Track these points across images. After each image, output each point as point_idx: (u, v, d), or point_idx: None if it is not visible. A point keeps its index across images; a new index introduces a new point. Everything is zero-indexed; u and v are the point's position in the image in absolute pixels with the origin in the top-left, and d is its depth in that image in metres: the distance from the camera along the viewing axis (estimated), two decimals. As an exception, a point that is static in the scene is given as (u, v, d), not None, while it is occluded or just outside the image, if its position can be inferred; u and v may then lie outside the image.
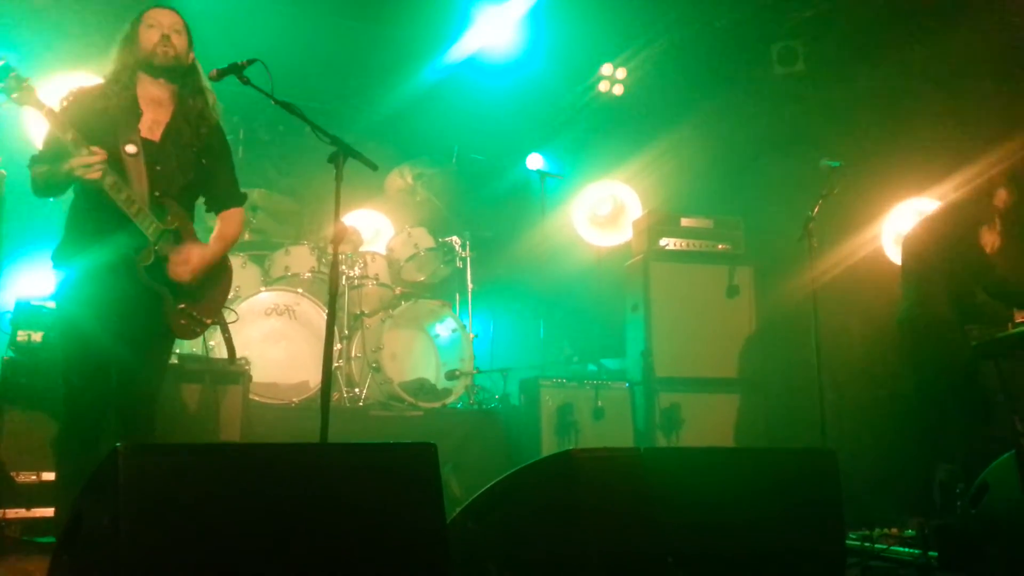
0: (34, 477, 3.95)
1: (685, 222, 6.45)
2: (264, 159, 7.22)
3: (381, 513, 2.26)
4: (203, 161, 3.47)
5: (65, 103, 3.25)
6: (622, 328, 6.54)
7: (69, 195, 3.33)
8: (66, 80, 4.98)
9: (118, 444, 1.99)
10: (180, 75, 3.41)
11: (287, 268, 5.93)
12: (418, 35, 7.19)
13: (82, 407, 3.21)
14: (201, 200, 3.62)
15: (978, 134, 5.45)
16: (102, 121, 3.24)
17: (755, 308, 6.33)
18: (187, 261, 3.31)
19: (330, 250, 5.29)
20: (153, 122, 3.37)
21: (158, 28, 3.34)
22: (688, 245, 6.40)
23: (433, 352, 6.11)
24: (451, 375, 5.91)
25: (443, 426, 5.47)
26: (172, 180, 3.37)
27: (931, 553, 3.62)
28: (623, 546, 2.56)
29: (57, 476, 3.48)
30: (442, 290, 6.77)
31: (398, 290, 6.27)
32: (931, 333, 4.64)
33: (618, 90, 7.89)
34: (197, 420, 4.34)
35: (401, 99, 7.40)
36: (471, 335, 6.19)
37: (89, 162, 3.07)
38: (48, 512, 3.84)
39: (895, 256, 5.92)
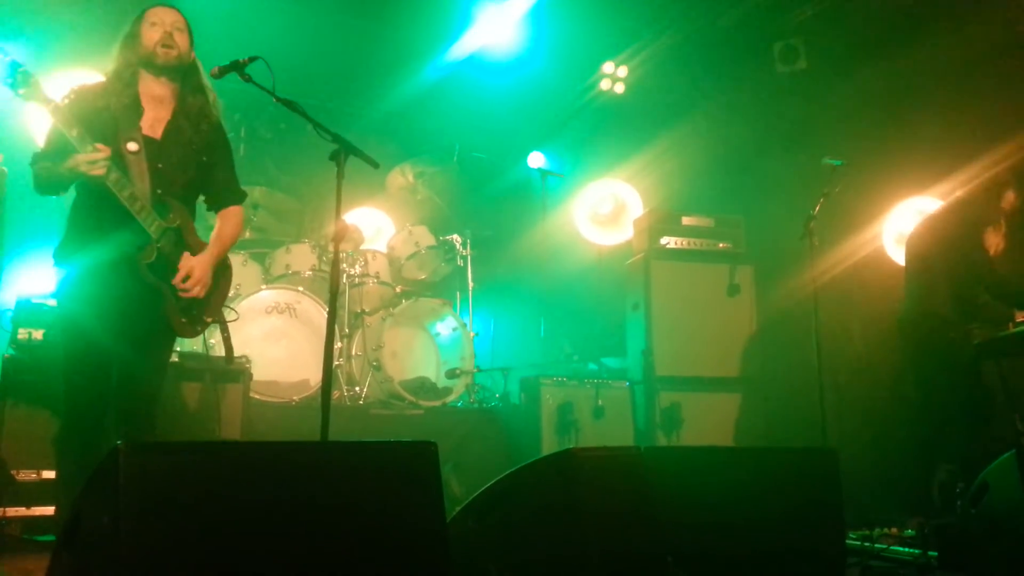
0: (34, 475, 3.95)
1: (686, 221, 6.45)
2: (265, 157, 7.21)
3: (381, 512, 2.25)
4: (203, 159, 3.48)
5: (67, 100, 3.25)
6: (623, 327, 6.54)
7: (71, 193, 3.33)
8: (68, 77, 4.97)
9: (119, 443, 1.98)
10: (181, 73, 3.42)
11: (288, 266, 5.94)
12: (419, 33, 7.19)
13: (83, 405, 3.21)
14: (202, 198, 3.62)
15: (981, 133, 5.44)
16: (103, 119, 3.24)
17: (756, 307, 6.33)
18: (192, 277, 3.32)
19: (331, 248, 5.27)
20: (154, 120, 3.37)
21: (160, 26, 3.34)
22: (689, 244, 6.39)
23: (434, 351, 6.12)
24: (451, 374, 5.91)
25: (443, 425, 5.47)
26: (174, 178, 3.37)
27: (931, 553, 3.61)
28: (623, 545, 2.56)
29: (57, 474, 3.48)
30: (443, 288, 6.78)
31: (399, 288, 6.27)
32: (933, 332, 4.64)
33: (619, 88, 7.89)
34: (198, 418, 4.34)
35: (402, 97, 7.40)
36: (472, 333, 6.19)
37: (94, 158, 3.08)
38: (48, 511, 3.84)
39: (896, 255, 5.91)
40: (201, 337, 3.69)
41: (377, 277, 6.08)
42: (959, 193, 4.88)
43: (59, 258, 3.27)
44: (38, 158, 3.25)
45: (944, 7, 6.04)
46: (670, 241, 6.36)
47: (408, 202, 7.14)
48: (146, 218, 3.21)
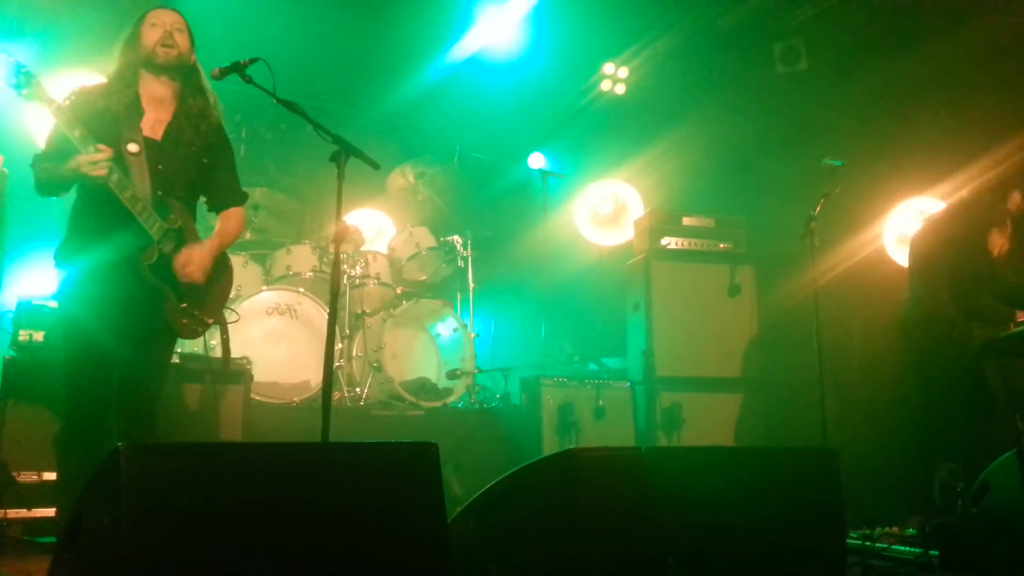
0: (35, 477, 3.94)
1: (687, 221, 6.45)
2: (266, 158, 7.22)
3: (382, 513, 2.26)
4: (204, 160, 3.48)
5: (68, 101, 3.26)
6: (623, 327, 6.54)
7: (71, 194, 3.33)
8: (69, 78, 4.98)
9: (119, 444, 1.99)
10: (182, 73, 3.42)
11: (289, 267, 5.94)
12: (420, 34, 7.19)
13: (84, 407, 3.22)
14: (202, 199, 3.62)
15: (981, 133, 5.45)
16: (105, 120, 3.25)
17: (756, 307, 6.33)
18: (191, 262, 3.31)
19: (332, 249, 5.29)
20: (155, 121, 3.37)
21: (160, 27, 3.35)
22: (689, 244, 6.39)
23: (434, 351, 6.12)
24: (452, 374, 5.91)
25: (444, 425, 5.47)
26: (174, 179, 3.37)
27: (932, 552, 3.61)
28: (624, 546, 2.56)
29: (58, 476, 3.48)
30: (443, 289, 6.78)
31: (399, 289, 6.27)
32: (935, 332, 4.64)
33: (620, 89, 7.90)
34: (198, 420, 4.34)
35: (403, 98, 7.41)
36: (472, 334, 6.19)
37: (96, 159, 3.09)
38: (49, 512, 3.83)
39: (897, 256, 5.92)
40: (202, 339, 3.70)
41: (378, 278, 6.08)
42: (964, 194, 4.86)
43: (60, 259, 3.28)
44: (39, 159, 3.26)
45: (944, 7, 6.05)
46: (671, 241, 6.36)
47: (409, 203, 7.14)
48: (147, 219, 3.22)
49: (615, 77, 7.83)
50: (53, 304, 4.12)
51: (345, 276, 5.88)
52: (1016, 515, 3.09)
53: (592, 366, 6.92)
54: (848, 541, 3.52)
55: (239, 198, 3.66)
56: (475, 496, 2.85)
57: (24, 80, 3.06)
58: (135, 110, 3.33)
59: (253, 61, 3.30)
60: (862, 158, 5.92)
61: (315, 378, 5.40)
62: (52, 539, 3.64)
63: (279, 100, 3.34)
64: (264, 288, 5.66)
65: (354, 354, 5.89)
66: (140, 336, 3.25)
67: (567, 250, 7.50)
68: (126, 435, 3.20)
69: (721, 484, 2.77)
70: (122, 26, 3.46)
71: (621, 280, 6.70)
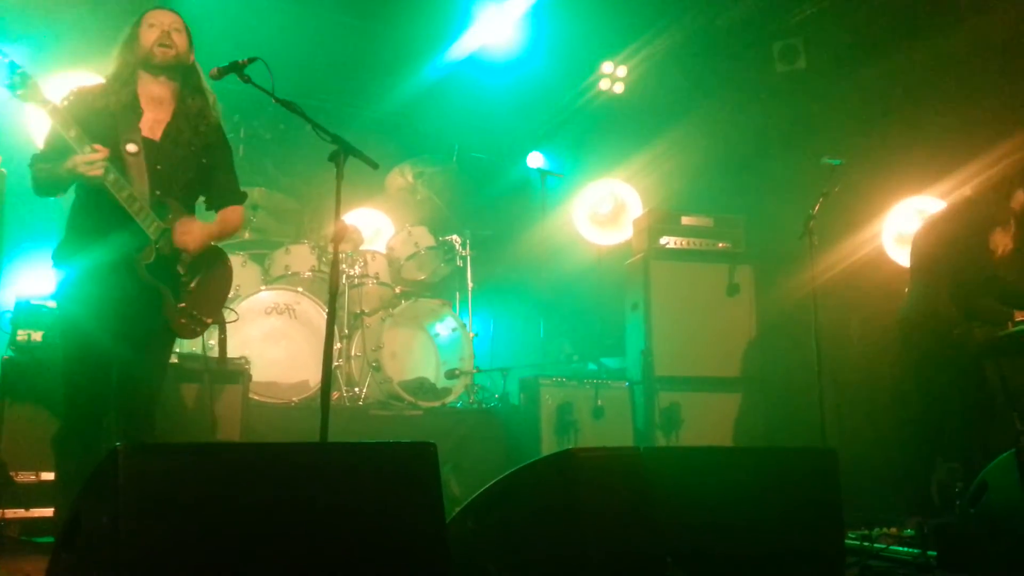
0: (33, 477, 3.95)
1: (685, 220, 6.44)
2: (265, 157, 7.22)
3: (381, 513, 2.25)
4: (203, 160, 3.48)
5: (65, 102, 3.26)
6: (622, 327, 6.54)
7: (70, 194, 3.33)
8: (67, 79, 4.97)
9: (118, 444, 1.99)
10: (181, 73, 3.42)
11: (287, 267, 5.94)
12: (419, 33, 7.19)
13: (82, 406, 3.21)
14: (201, 199, 3.62)
15: (981, 132, 5.44)
16: (103, 120, 3.25)
17: (755, 307, 6.33)
18: (190, 232, 3.32)
19: (330, 249, 5.29)
20: (154, 121, 3.37)
21: (158, 27, 3.35)
22: (688, 244, 6.39)
23: (433, 351, 6.11)
24: (451, 374, 5.91)
25: (443, 425, 5.47)
26: (173, 179, 3.37)
27: (930, 552, 3.62)
28: (623, 545, 2.56)
29: (56, 476, 3.47)
30: (442, 289, 6.77)
31: (398, 289, 6.27)
32: (935, 332, 4.63)
33: (619, 88, 7.89)
34: (197, 419, 4.34)
35: (402, 97, 7.40)
36: (471, 334, 6.19)
37: (92, 159, 3.08)
38: (47, 512, 3.84)
39: (896, 255, 5.91)
40: (200, 338, 3.70)
41: (376, 278, 6.08)
42: (967, 192, 4.83)
43: (58, 259, 3.27)
44: (37, 159, 3.26)
45: (943, 5, 6.04)
46: (670, 241, 6.36)
47: (407, 202, 7.14)
48: (145, 219, 3.21)
49: (614, 76, 7.83)
50: (51, 304, 4.12)
51: (344, 276, 5.88)
52: (1014, 515, 3.09)
53: (591, 366, 6.92)
54: (847, 541, 3.52)
55: (238, 198, 3.66)
56: (474, 496, 2.85)
57: (19, 80, 3.06)
58: (133, 110, 3.33)
59: (252, 61, 3.30)
60: (861, 157, 5.93)
61: (314, 378, 5.40)
62: (50, 539, 3.64)
63: (278, 100, 3.33)
64: (263, 288, 5.66)
65: (353, 354, 5.88)
66: (139, 336, 3.25)
67: (566, 250, 7.50)
68: (124, 435, 3.19)
69: (720, 484, 2.77)
70: (120, 27, 3.45)
71: (620, 280, 6.70)
